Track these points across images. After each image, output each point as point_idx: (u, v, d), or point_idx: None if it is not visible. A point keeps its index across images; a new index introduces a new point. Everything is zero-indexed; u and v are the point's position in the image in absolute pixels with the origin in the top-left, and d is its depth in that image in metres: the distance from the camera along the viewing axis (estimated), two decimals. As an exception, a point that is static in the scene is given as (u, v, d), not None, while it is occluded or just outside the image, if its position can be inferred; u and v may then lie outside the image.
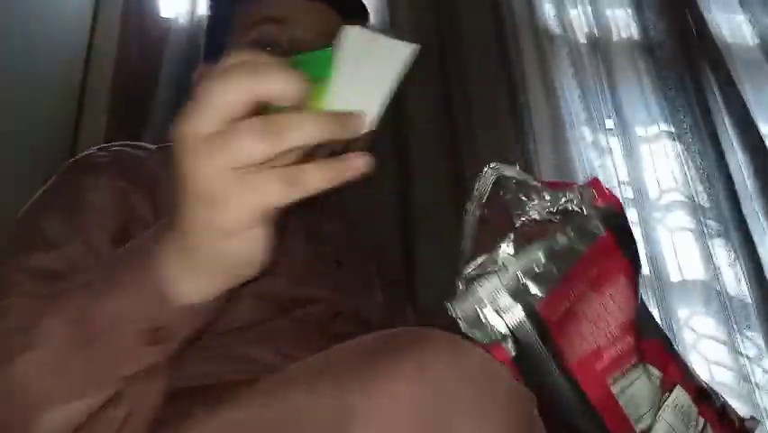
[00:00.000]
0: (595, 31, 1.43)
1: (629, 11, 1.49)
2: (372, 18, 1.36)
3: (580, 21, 1.44)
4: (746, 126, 1.30)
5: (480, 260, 0.40)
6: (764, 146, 1.27)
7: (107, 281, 0.38)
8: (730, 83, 1.34)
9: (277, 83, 0.30)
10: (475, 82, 1.30)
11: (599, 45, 1.41)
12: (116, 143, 0.63)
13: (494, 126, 1.26)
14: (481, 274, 0.39)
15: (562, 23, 1.42)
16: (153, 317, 0.37)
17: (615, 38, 1.45)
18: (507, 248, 0.40)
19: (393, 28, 1.33)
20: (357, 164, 0.32)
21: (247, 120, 0.30)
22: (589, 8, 1.46)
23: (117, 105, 1.14)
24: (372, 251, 0.80)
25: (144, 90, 1.15)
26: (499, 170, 0.46)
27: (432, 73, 1.30)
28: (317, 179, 0.31)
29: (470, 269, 0.41)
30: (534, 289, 0.39)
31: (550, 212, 0.44)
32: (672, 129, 1.31)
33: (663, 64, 1.39)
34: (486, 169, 0.46)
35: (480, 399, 0.30)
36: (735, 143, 1.30)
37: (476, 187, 0.46)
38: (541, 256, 0.40)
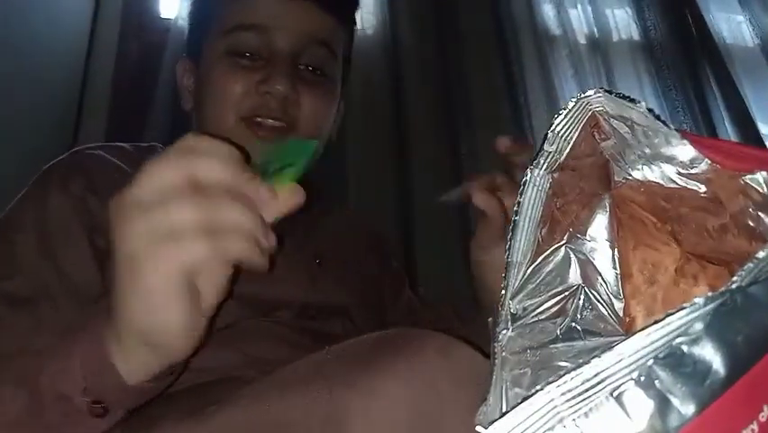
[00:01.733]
0: (595, 31, 1.43)
1: (629, 11, 1.49)
2: (373, 20, 1.36)
3: (579, 21, 1.44)
4: (746, 126, 1.30)
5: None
6: (764, 146, 1.28)
7: (55, 352, 0.38)
8: (730, 83, 1.34)
9: (211, 166, 0.33)
10: (475, 82, 1.30)
11: (599, 46, 1.42)
12: (91, 145, 0.62)
13: (494, 126, 1.26)
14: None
15: (562, 24, 1.42)
16: (96, 390, 0.37)
17: (615, 38, 1.45)
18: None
19: (393, 29, 1.33)
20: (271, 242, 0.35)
21: (179, 192, 0.32)
22: (589, 9, 1.46)
23: (117, 106, 1.14)
24: (376, 242, 0.78)
25: (144, 90, 1.15)
26: (595, 100, 0.30)
27: (432, 73, 1.30)
28: (237, 249, 0.33)
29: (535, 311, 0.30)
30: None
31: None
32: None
33: (663, 64, 1.39)
34: (576, 101, 0.30)
35: (470, 397, 0.30)
36: (735, 144, 1.30)
37: (553, 128, 0.31)
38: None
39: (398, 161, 1.22)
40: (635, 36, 1.46)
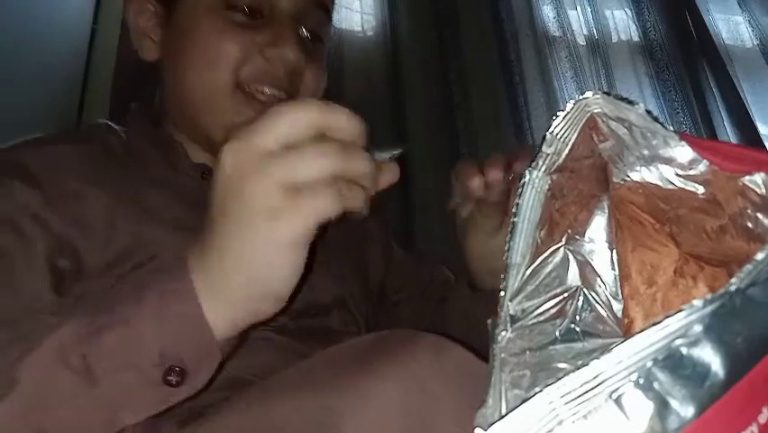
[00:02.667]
0: (594, 32, 1.43)
1: (629, 12, 1.49)
2: (372, 21, 1.36)
3: (579, 22, 1.44)
4: (745, 127, 1.30)
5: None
6: (764, 146, 1.28)
7: (113, 310, 0.33)
8: (729, 84, 1.35)
9: (341, 118, 0.32)
10: (475, 83, 1.30)
11: (599, 47, 1.42)
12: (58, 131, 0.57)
13: (494, 127, 1.26)
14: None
15: (562, 25, 1.42)
16: (171, 351, 0.33)
17: (614, 39, 1.45)
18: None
19: (393, 30, 1.33)
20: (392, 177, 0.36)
21: (308, 142, 0.31)
22: (589, 10, 1.46)
23: (118, 106, 1.14)
24: (374, 226, 0.72)
25: (145, 90, 1.15)
26: (593, 102, 0.29)
27: (432, 74, 1.30)
28: (360, 196, 0.33)
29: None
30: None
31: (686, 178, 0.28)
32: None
33: (663, 65, 1.39)
34: (574, 103, 0.30)
35: (462, 398, 0.30)
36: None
37: (552, 130, 0.30)
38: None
39: (398, 162, 1.22)
40: (635, 37, 1.46)
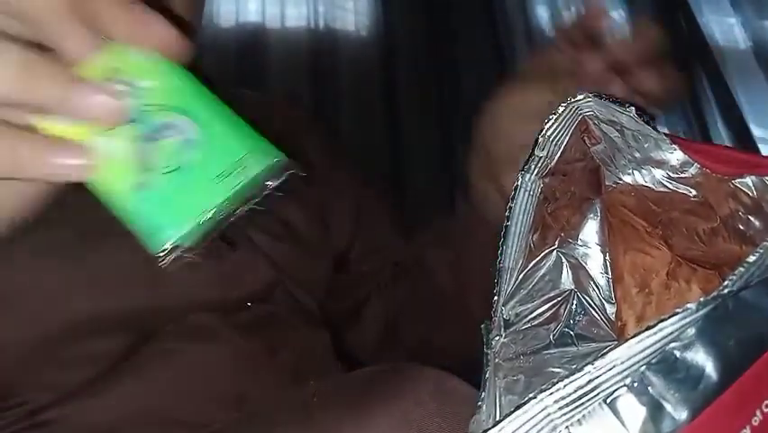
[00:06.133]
0: (588, 33, 1.44)
1: (622, 14, 1.50)
2: (366, 21, 1.36)
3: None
4: (739, 129, 1.30)
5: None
6: (757, 149, 1.28)
7: None
8: (722, 85, 1.35)
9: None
10: (469, 84, 1.30)
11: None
12: None
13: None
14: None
15: (556, 27, 1.43)
16: None
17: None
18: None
19: (387, 31, 1.33)
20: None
21: None
22: (583, 11, 1.47)
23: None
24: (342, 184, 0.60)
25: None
26: (585, 105, 0.29)
27: (425, 75, 1.31)
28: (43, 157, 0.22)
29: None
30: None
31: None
32: (665, 131, 1.31)
33: (656, 66, 1.40)
34: (566, 105, 0.29)
35: None
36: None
37: (544, 133, 0.30)
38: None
39: (393, 160, 1.22)
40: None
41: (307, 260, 0.53)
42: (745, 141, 1.29)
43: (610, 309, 0.33)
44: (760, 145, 1.29)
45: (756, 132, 1.32)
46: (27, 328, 0.39)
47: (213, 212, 0.22)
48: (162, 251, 0.22)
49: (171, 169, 0.22)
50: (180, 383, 0.40)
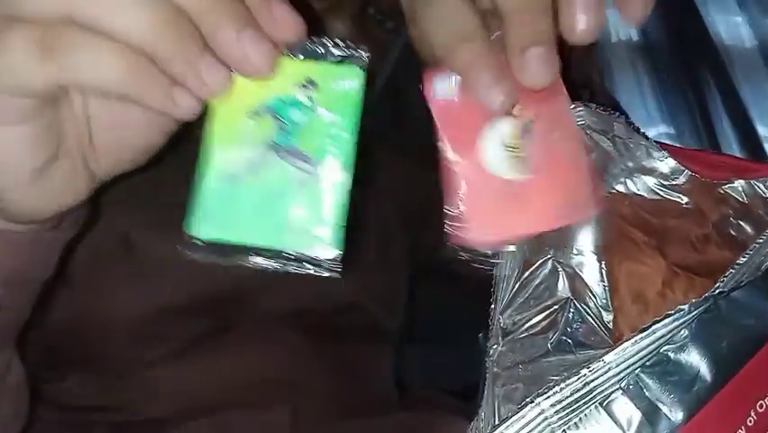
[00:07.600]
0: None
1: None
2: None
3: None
4: (745, 128, 1.30)
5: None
6: (763, 147, 1.27)
7: None
8: (729, 84, 1.34)
9: None
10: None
11: (598, 46, 1.42)
12: None
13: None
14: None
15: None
16: None
17: (614, 39, 1.46)
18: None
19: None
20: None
21: None
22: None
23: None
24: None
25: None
26: (576, 114, 0.29)
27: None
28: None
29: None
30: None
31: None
32: (672, 130, 1.31)
33: (662, 66, 1.40)
34: None
35: None
36: (733, 145, 1.30)
37: None
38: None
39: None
40: (634, 37, 1.47)
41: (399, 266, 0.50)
42: (750, 140, 1.28)
43: (607, 317, 0.33)
44: (766, 144, 1.28)
45: (762, 131, 1.31)
46: (164, 298, 0.38)
47: (248, 247, 0.22)
48: (189, 236, 0.21)
49: (263, 187, 0.22)
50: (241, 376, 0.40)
